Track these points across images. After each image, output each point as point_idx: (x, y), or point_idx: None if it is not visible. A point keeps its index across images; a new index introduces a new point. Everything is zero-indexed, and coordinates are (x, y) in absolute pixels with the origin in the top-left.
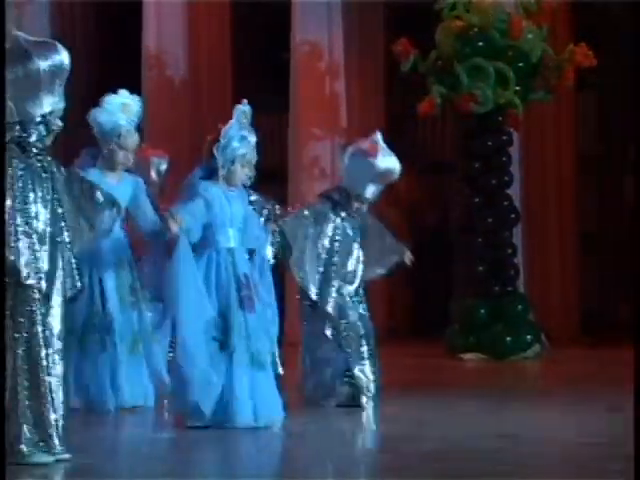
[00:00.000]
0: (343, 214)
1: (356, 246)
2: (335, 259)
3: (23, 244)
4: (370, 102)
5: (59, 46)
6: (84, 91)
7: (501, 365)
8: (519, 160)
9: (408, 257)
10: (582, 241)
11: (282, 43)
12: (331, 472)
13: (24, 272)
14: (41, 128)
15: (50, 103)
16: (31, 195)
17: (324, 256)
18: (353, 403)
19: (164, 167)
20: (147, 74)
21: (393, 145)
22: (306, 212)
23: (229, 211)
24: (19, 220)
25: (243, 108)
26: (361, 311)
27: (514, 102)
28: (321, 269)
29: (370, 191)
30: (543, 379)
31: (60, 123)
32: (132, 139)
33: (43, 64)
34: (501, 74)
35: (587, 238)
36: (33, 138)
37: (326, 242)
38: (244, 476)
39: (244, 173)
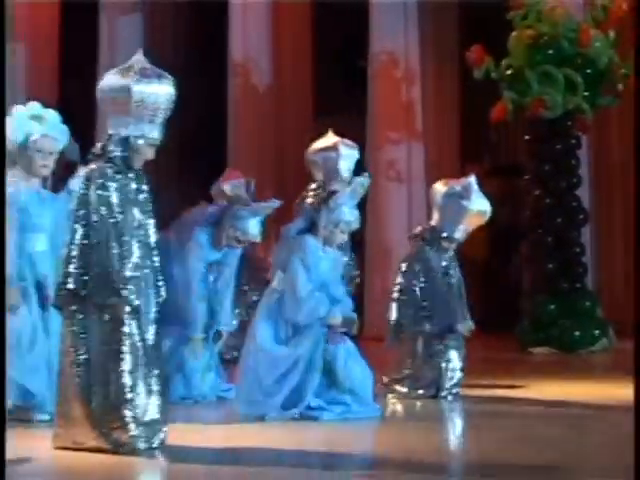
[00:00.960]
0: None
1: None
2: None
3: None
4: (445, 106)
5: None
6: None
7: (569, 358)
8: (588, 163)
9: (468, 330)
10: None
11: (360, 51)
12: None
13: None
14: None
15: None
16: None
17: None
18: (436, 392)
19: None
20: (233, 82)
21: (466, 148)
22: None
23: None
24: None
25: (362, 180)
26: None
27: (582, 107)
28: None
29: (460, 232)
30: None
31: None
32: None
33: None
34: (570, 80)
35: None
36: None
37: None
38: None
39: (341, 238)
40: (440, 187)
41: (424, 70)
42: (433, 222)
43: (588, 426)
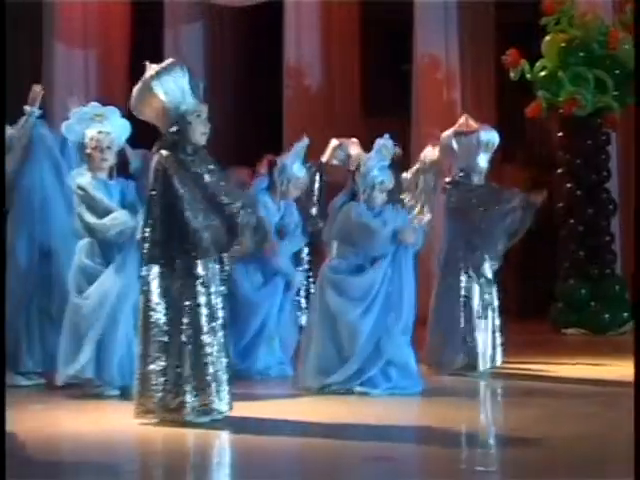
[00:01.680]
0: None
1: None
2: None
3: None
4: (483, 106)
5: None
6: (234, 102)
7: (600, 339)
8: (617, 157)
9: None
10: None
11: (405, 55)
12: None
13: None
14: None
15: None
16: None
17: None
18: (469, 371)
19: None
20: (287, 83)
21: (502, 143)
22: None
23: None
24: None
25: (384, 142)
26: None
27: (611, 105)
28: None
29: (483, 161)
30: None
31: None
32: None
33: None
34: (600, 81)
35: None
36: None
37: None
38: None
39: (381, 198)
40: (446, 134)
41: (463, 71)
42: (458, 165)
43: (621, 403)
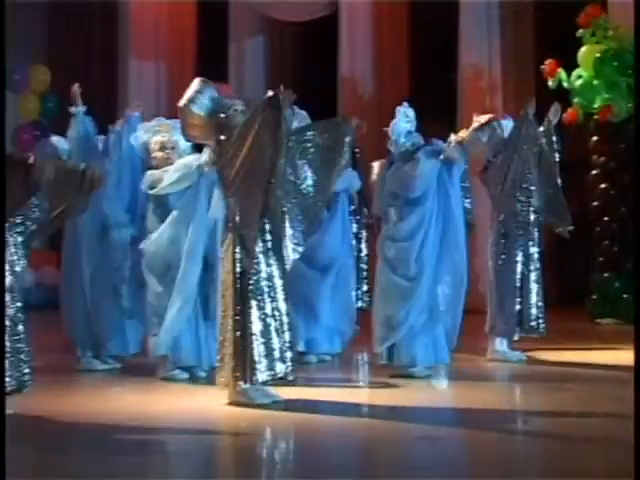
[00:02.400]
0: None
1: None
2: None
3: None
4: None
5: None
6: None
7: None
8: None
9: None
10: None
11: (450, 65)
12: None
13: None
14: None
15: None
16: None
17: None
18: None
19: None
20: (342, 93)
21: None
22: None
23: None
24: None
25: (403, 109)
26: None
27: None
28: None
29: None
30: None
31: None
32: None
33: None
34: (632, 88)
35: None
36: None
37: None
38: None
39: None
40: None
41: (505, 80)
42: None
43: None
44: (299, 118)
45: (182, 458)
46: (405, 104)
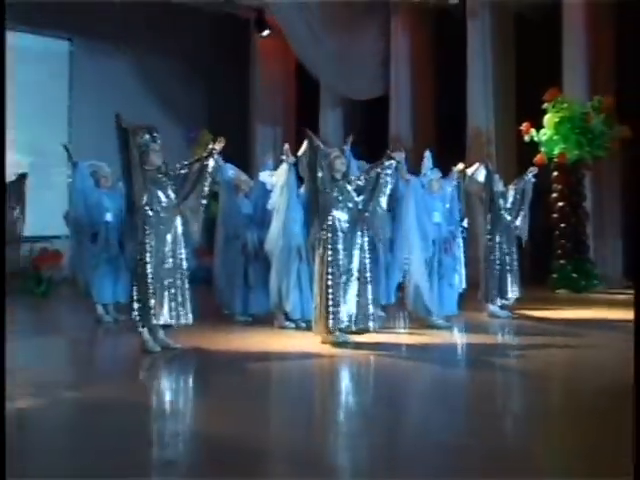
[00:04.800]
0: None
1: None
2: None
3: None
4: (508, 160)
5: None
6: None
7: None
8: (589, 187)
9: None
10: None
11: (461, 127)
12: None
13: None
14: None
15: None
16: None
17: None
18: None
19: None
20: (390, 147)
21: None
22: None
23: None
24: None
25: (428, 154)
26: None
27: (586, 157)
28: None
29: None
30: None
31: None
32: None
33: None
34: (579, 142)
35: None
36: None
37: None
38: None
39: (437, 185)
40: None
41: (497, 136)
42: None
43: (595, 333)
44: (359, 164)
45: (291, 372)
46: (428, 154)
